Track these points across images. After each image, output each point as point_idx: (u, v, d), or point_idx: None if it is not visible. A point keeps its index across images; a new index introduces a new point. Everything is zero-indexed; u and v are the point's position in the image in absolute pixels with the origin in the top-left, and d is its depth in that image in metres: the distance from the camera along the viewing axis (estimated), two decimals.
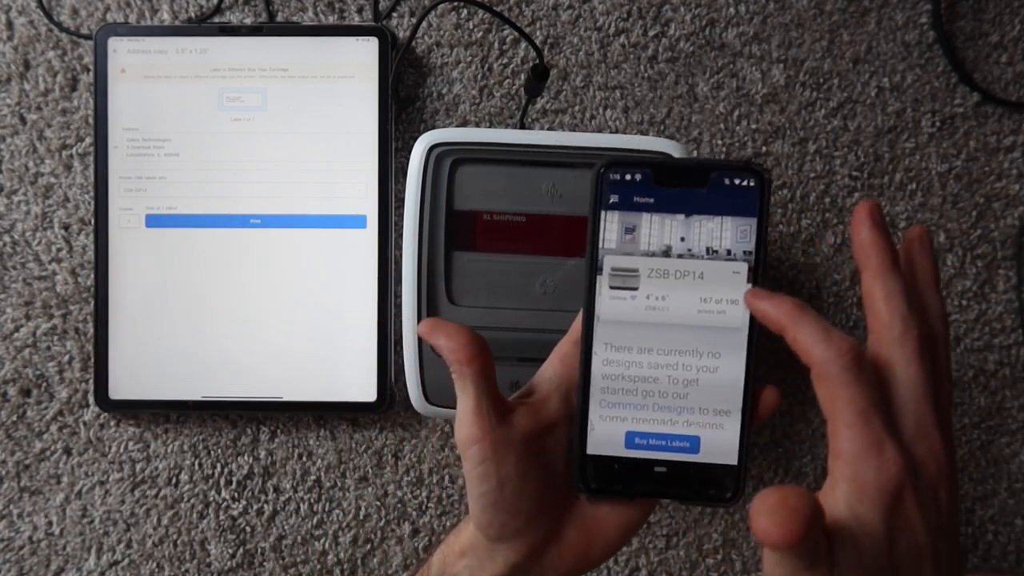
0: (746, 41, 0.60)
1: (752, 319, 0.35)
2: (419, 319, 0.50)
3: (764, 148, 0.60)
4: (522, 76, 0.60)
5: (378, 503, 0.60)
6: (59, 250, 0.59)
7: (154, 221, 0.58)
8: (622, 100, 0.60)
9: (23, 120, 0.59)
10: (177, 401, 0.57)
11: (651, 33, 0.60)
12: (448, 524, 0.60)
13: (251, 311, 0.58)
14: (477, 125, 0.60)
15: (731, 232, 0.36)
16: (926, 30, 0.60)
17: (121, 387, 0.57)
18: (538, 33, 0.60)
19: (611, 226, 0.36)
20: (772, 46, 0.60)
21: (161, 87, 0.58)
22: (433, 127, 0.60)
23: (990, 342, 0.60)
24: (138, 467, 0.59)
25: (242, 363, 0.57)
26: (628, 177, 0.36)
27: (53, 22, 0.59)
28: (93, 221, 0.58)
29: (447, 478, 0.60)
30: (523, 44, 0.60)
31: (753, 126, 0.60)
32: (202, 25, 0.59)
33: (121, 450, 0.59)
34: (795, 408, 0.60)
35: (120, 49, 0.57)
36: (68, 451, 0.59)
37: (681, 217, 0.36)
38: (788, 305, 0.33)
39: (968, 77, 0.60)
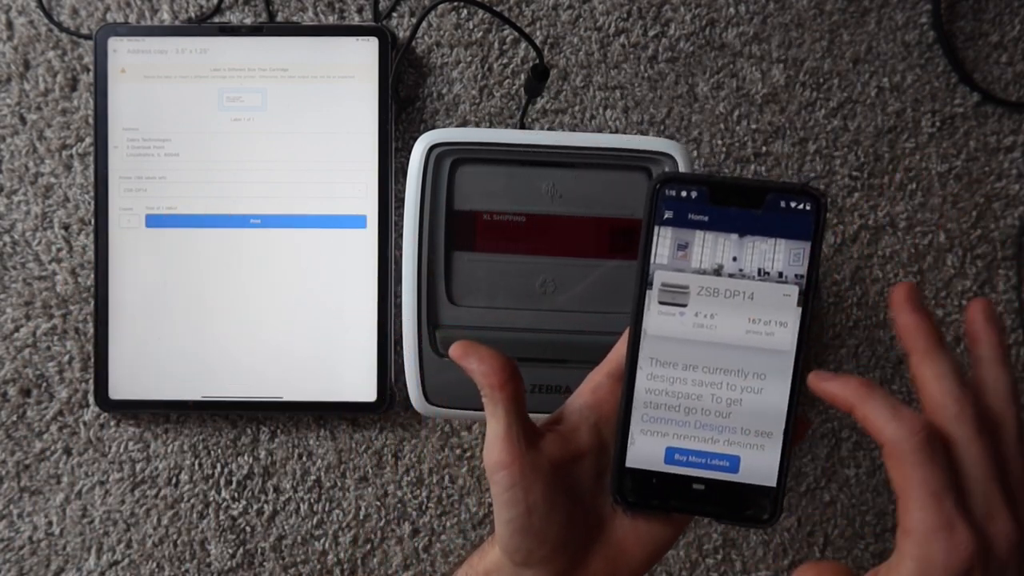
0: (746, 41, 0.60)
1: (799, 343, 0.35)
2: (419, 319, 0.50)
3: (764, 148, 0.60)
4: (522, 76, 0.60)
5: (378, 503, 0.60)
6: (59, 250, 0.59)
7: (154, 221, 0.58)
8: (622, 100, 0.60)
9: (23, 120, 0.59)
10: (177, 401, 0.58)
11: (651, 33, 0.60)
12: (448, 524, 0.60)
13: (251, 311, 0.58)
14: (477, 125, 0.60)
15: (784, 255, 0.35)
16: (926, 30, 0.60)
17: (121, 387, 0.58)
18: (538, 33, 0.60)
19: (664, 241, 0.36)
20: (772, 46, 0.60)
21: (161, 87, 0.58)
22: (433, 127, 0.60)
23: None
24: (138, 467, 0.59)
25: (242, 363, 0.58)
26: (684, 194, 0.36)
27: (53, 22, 0.59)
28: (93, 221, 0.58)
29: (447, 478, 0.60)
30: (523, 44, 0.60)
31: (753, 126, 0.60)
32: (202, 25, 0.59)
33: (121, 450, 0.59)
34: None
35: (120, 49, 0.57)
36: (68, 451, 0.59)
37: (735, 236, 0.35)
38: (855, 384, 0.33)
39: (968, 77, 0.60)
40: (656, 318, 0.36)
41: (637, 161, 0.49)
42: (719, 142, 0.60)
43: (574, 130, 0.60)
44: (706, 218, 0.36)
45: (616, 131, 0.60)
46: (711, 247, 0.36)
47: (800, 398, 0.36)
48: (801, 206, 0.35)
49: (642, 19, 0.60)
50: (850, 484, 0.60)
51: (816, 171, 0.60)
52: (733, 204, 0.35)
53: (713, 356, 0.36)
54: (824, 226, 0.35)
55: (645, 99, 0.60)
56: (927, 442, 0.30)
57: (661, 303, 0.36)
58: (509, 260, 0.50)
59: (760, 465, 0.36)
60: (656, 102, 0.60)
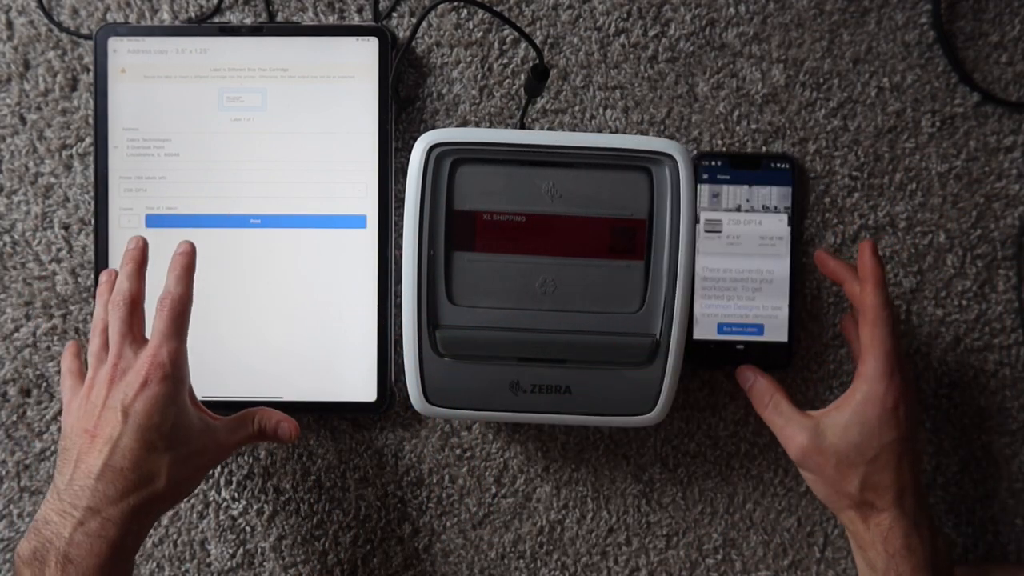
0: (746, 41, 0.60)
1: (792, 248, 0.58)
2: (419, 319, 0.50)
3: (764, 148, 0.60)
4: (522, 76, 0.60)
5: (378, 503, 0.60)
6: (59, 250, 0.59)
7: (154, 221, 0.58)
8: (622, 100, 0.60)
9: (23, 120, 0.59)
10: None
11: (651, 33, 0.60)
12: (448, 524, 0.60)
13: (251, 311, 0.57)
14: (477, 125, 0.60)
15: (777, 195, 0.58)
16: (926, 30, 0.60)
17: None
18: (538, 33, 0.60)
19: (704, 194, 0.58)
20: (772, 46, 0.60)
21: (161, 87, 0.57)
22: (433, 127, 0.60)
23: (990, 342, 0.60)
24: None
25: (242, 363, 0.57)
26: (714, 163, 0.58)
27: (53, 22, 0.59)
28: (93, 221, 0.58)
29: (447, 478, 0.60)
30: (523, 44, 0.59)
31: (753, 126, 0.60)
32: (202, 25, 0.59)
33: None
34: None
35: (120, 49, 0.57)
36: None
37: (746, 187, 0.58)
38: (859, 266, 0.51)
39: (968, 77, 0.60)
40: (704, 242, 0.58)
41: (637, 161, 0.49)
42: (719, 142, 0.60)
43: (574, 130, 0.60)
44: (728, 176, 0.58)
45: (616, 131, 0.60)
46: (733, 194, 0.58)
47: (795, 282, 0.58)
48: (783, 165, 0.58)
49: (642, 19, 0.60)
50: None
51: (816, 171, 0.60)
52: (744, 167, 0.58)
53: (741, 262, 0.58)
54: (799, 175, 0.59)
55: (645, 99, 0.60)
56: (894, 317, 0.50)
57: (706, 231, 0.58)
58: (509, 260, 0.50)
59: (776, 328, 0.58)
60: (656, 102, 0.60)
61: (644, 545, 0.60)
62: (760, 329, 0.58)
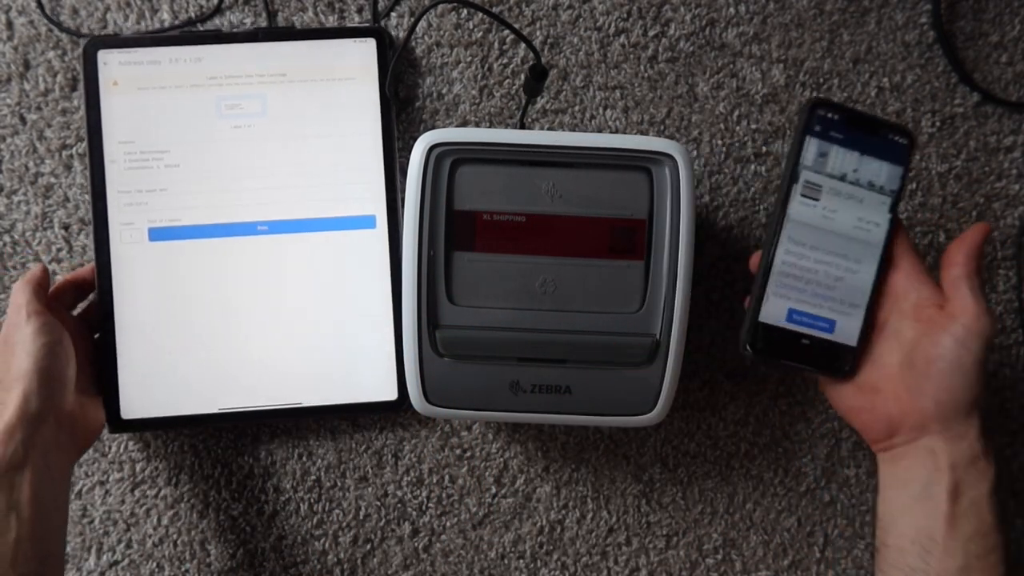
0: (746, 41, 0.60)
1: (887, 240, 0.49)
2: (419, 319, 0.50)
3: (764, 148, 0.60)
4: (522, 76, 0.60)
5: (378, 503, 0.60)
6: (59, 250, 0.59)
7: (158, 234, 0.57)
8: (622, 100, 0.60)
9: (23, 120, 0.59)
10: (195, 416, 0.56)
11: (651, 33, 0.60)
12: (448, 524, 0.60)
13: (266, 318, 0.57)
14: (477, 125, 0.60)
15: (887, 173, 0.49)
16: (926, 30, 0.60)
17: (133, 407, 0.56)
18: (538, 33, 0.60)
19: (810, 148, 0.49)
20: (772, 46, 0.60)
21: (156, 98, 0.57)
22: (433, 127, 0.60)
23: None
24: (138, 467, 0.59)
25: (259, 372, 0.57)
26: (830, 115, 0.49)
27: (53, 22, 0.59)
28: (92, 237, 0.56)
29: (447, 478, 0.60)
30: (523, 44, 0.60)
31: (753, 126, 0.60)
32: (195, 34, 0.58)
33: (121, 450, 0.59)
34: (795, 408, 0.60)
35: (111, 61, 0.56)
36: None
37: (857, 154, 0.49)
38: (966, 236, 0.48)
39: (968, 77, 0.60)
40: (798, 206, 0.49)
41: (637, 161, 0.49)
42: (719, 142, 0.60)
43: (574, 130, 0.60)
44: (842, 136, 0.49)
45: (616, 131, 0.60)
46: (842, 158, 0.49)
47: (881, 282, 0.49)
48: (901, 139, 0.49)
49: (642, 19, 0.60)
50: (850, 484, 0.60)
51: None
52: (859, 130, 0.49)
53: (831, 241, 0.49)
54: (913, 155, 0.49)
55: (645, 99, 0.60)
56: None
57: (803, 196, 0.49)
58: (509, 260, 0.50)
59: (848, 329, 0.49)
60: (656, 102, 0.60)
61: (644, 545, 0.60)
62: (831, 326, 0.49)
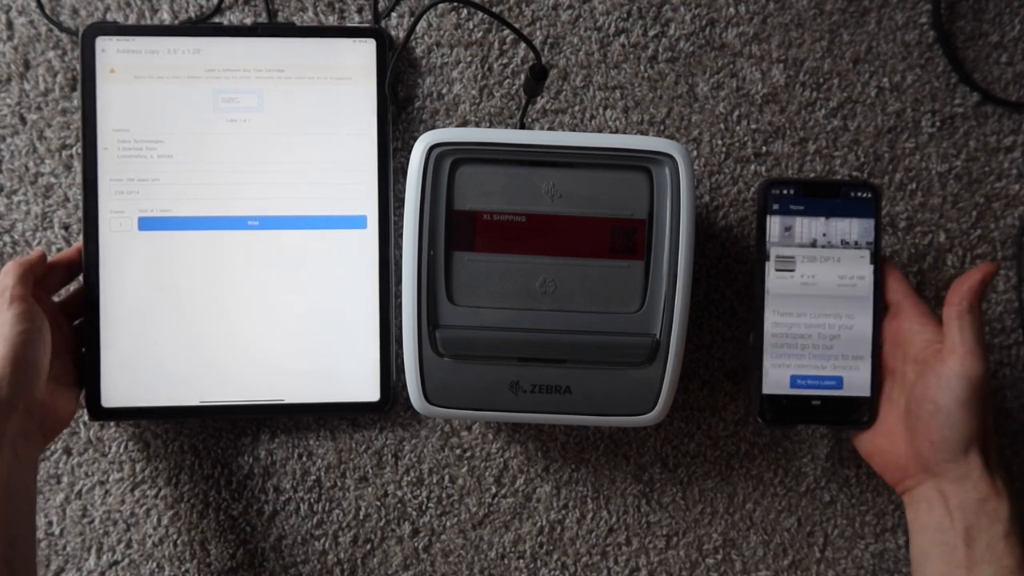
0: (746, 41, 0.60)
1: (875, 289, 0.51)
2: (419, 319, 0.50)
3: (764, 148, 0.60)
4: (522, 76, 0.60)
5: (378, 503, 0.60)
6: (59, 250, 0.59)
7: (147, 224, 0.57)
8: (622, 100, 0.60)
9: (23, 120, 0.59)
10: (175, 407, 0.57)
11: (651, 33, 0.60)
12: (448, 524, 0.60)
13: (251, 314, 0.57)
14: (477, 125, 0.60)
15: (857, 229, 0.51)
16: (926, 30, 0.60)
17: (113, 395, 0.56)
18: (538, 33, 0.60)
19: (775, 226, 0.51)
20: (772, 46, 0.60)
21: (153, 88, 0.57)
22: (433, 127, 0.59)
23: (990, 342, 0.60)
24: (138, 467, 0.59)
25: (242, 366, 0.57)
26: (785, 191, 0.51)
27: (53, 22, 0.59)
28: (82, 224, 0.57)
29: (447, 478, 0.60)
30: (523, 44, 0.59)
31: (753, 126, 0.60)
32: (195, 25, 0.58)
33: (121, 450, 0.59)
34: None
35: (109, 49, 0.57)
36: (68, 451, 0.59)
37: (823, 219, 0.51)
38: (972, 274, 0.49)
39: (968, 77, 0.60)
40: (775, 280, 0.51)
41: (637, 161, 0.49)
42: (719, 142, 0.60)
43: (574, 130, 0.60)
44: (802, 207, 0.51)
45: (616, 131, 0.60)
46: (807, 227, 0.51)
47: (880, 329, 0.51)
48: (865, 194, 0.51)
49: (642, 19, 0.60)
50: (850, 484, 0.60)
51: (816, 171, 0.60)
52: (820, 196, 0.51)
53: (817, 304, 0.51)
54: (881, 206, 0.51)
55: (645, 99, 0.60)
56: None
57: (777, 269, 0.51)
58: (509, 260, 0.50)
59: (858, 381, 0.51)
60: (656, 102, 0.60)
61: (644, 545, 0.60)
62: (839, 382, 0.51)
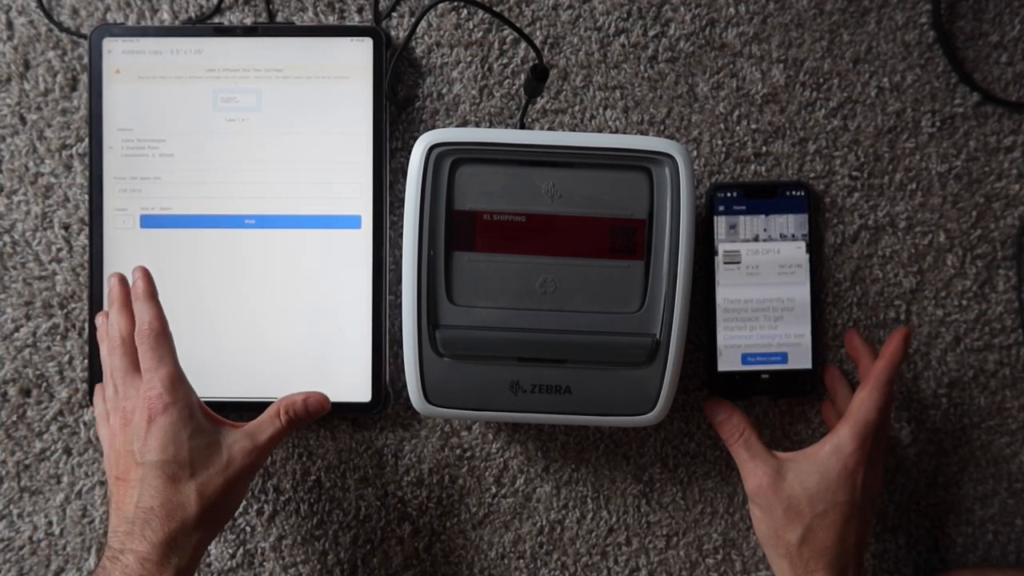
0: (746, 41, 0.60)
1: (812, 274, 0.58)
2: (419, 319, 0.50)
3: (764, 148, 0.60)
4: (522, 76, 0.60)
5: (378, 503, 0.60)
6: (59, 250, 0.59)
7: (149, 222, 0.58)
8: (622, 100, 0.60)
9: (23, 120, 0.59)
10: None
11: (651, 33, 0.60)
12: (448, 524, 0.60)
13: (246, 312, 0.57)
14: (477, 125, 0.60)
15: (794, 223, 0.58)
16: (926, 30, 0.60)
17: None
18: (538, 33, 0.60)
19: (721, 225, 0.58)
20: (772, 46, 0.60)
21: (156, 88, 0.57)
22: (433, 127, 0.60)
23: (990, 342, 0.60)
24: None
25: (236, 364, 0.57)
26: (729, 195, 0.58)
27: (53, 22, 0.59)
28: (88, 221, 0.58)
29: (447, 478, 0.60)
30: (523, 44, 0.60)
31: (753, 126, 0.60)
32: (197, 26, 0.59)
33: None
34: (795, 408, 0.60)
35: (115, 50, 0.57)
36: (68, 451, 0.59)
37: (763, 216, 0.58)
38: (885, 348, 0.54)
39: (968, 77, 0.60)
40: (723, 272, 0.58)
41: (637, 161, 0.49)
42: (719, 142, 0.60)
43: (574, 130, 0.60)
44: (744, 207, 0.58)
45: (616, 131, 0.60)
46: (750, 224, 0.58)
47: (816, 311, 0.58)
48: (799, 193, 0.58)
49: (642, 19, 0.60)
50: None
51: (816, 171, 0.60)
52: (759, 197, 0.58)
53: (761, 291, 0.58)
54: (814, 202, 0.59)
55: (645, 99, 0.60)
56: (890, 401, 0.52)
57: (725, 263, 0.58)
58: (509, 260, 0.50)
59: (800, 356, 0.58)
60: (656, 102, 0.60)
61: (644, 545, 0.60)
62: (784, 357, 0.58)
